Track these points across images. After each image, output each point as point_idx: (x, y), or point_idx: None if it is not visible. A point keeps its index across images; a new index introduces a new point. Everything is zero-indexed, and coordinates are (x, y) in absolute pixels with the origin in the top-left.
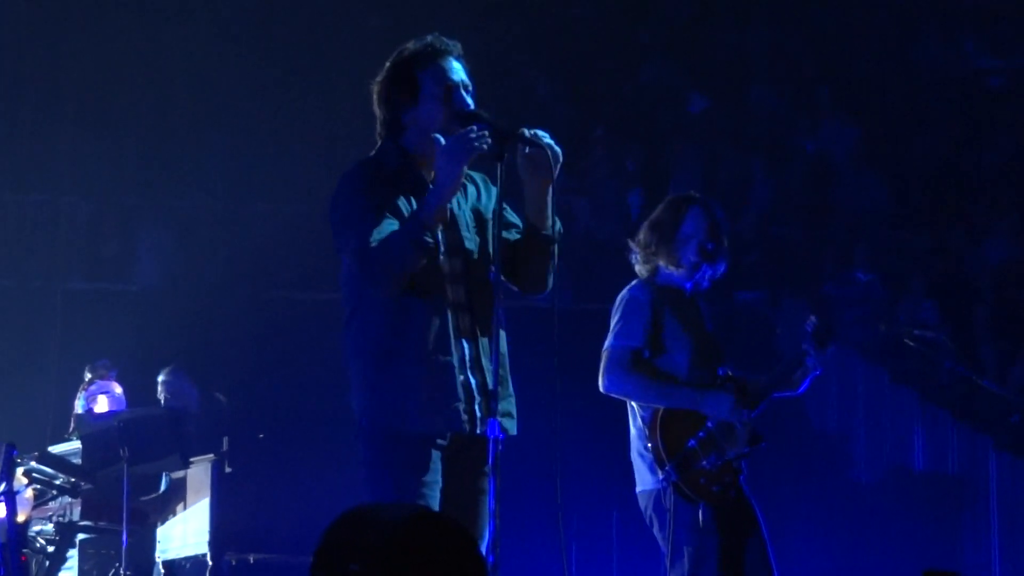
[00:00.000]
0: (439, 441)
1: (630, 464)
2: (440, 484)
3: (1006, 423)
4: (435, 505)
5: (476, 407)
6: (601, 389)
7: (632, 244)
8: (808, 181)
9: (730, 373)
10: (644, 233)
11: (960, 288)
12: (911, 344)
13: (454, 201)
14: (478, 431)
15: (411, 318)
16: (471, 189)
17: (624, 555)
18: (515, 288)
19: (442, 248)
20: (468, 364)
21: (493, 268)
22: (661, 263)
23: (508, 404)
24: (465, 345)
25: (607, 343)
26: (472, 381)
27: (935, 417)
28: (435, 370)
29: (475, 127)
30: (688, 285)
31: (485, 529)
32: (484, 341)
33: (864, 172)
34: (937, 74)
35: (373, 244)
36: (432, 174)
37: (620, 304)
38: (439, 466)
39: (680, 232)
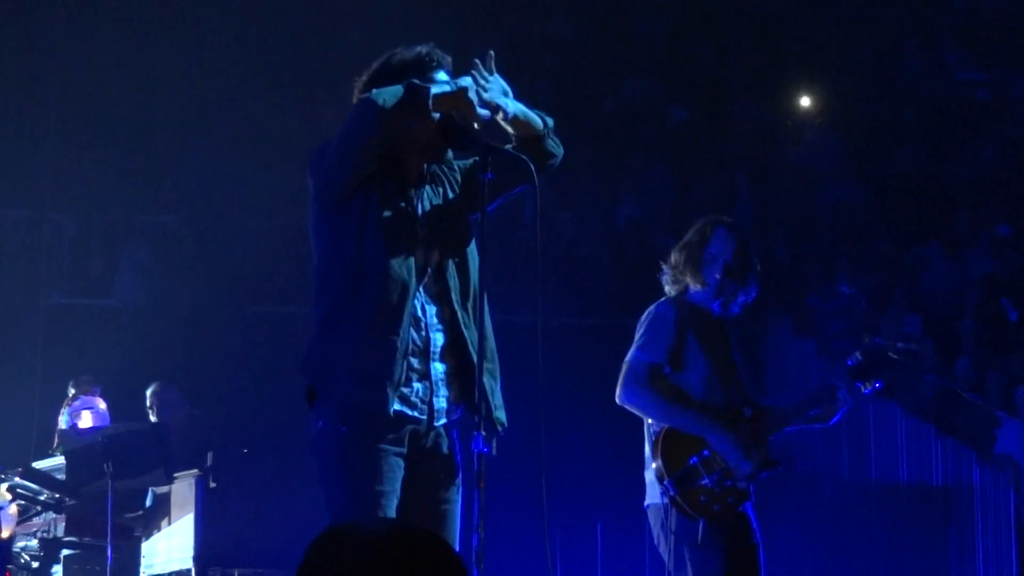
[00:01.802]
0: (396, 448)
1: (614, 475)
2: (399, 494)
3: (989, 435)
4: (391, 515)
5: (436, 398)
6: (617, 400)
7: (663, 265)
8: (791, 194)
9: (748, 397)
10: (674, 254)
11: (943, 301)
12: (894, 357)
13: (425, 200)
14: (436, 423)
15: (365, 292)
16: (441, 188)
17: (609, 565)
18: (518, 186)
19: (419, 237)
20: (435, 353)
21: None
22: (688, 283)
23: (496, 396)
24: (435, 335)
25: (628, 355)
26: (435, 370)
27: (918, 430)
28: (373, 343)
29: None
30: (715, 306)
31: (451, 540)
32: (467, 334)
33: (847, 185)
34: (919, 87)
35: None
36: (413, 171)
37: (646, 319)
38: (399, 475)
39: (706, 252)
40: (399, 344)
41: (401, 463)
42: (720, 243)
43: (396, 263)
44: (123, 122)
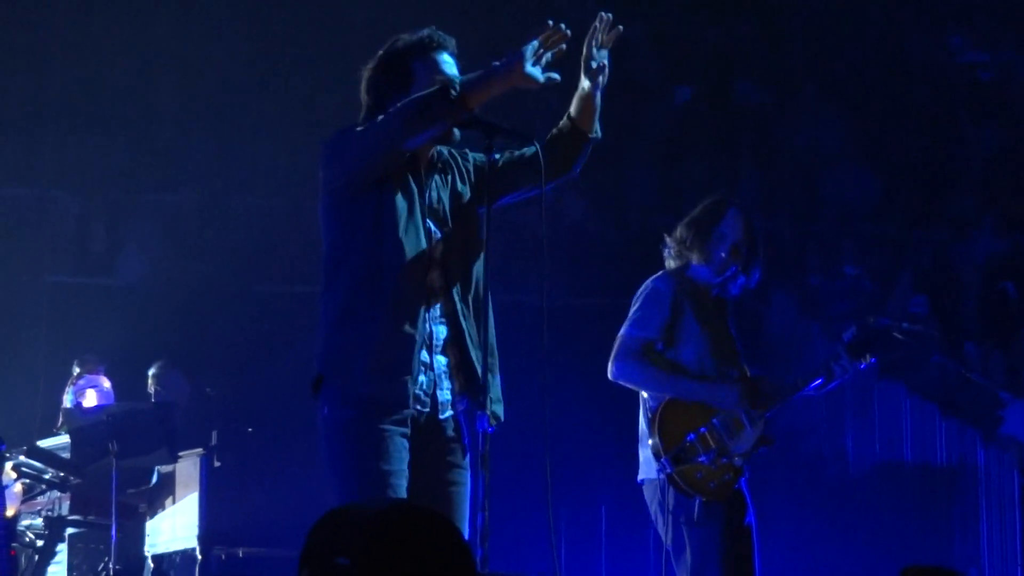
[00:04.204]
0: (401, 429)
1: (619, 456)
2: (407, 475)
3: (994, 416)
4: (402, 495)
5: (440, 391)
6: (609, 376)
7: (667, 239)
8: (796, 176)
9: (746, 372)
10: (680, 229)
11: (948, 282)
12: (899, 337)
13: (433, 189)
14: (441, 416)
15: (383, 286)
16: (450, 176)
17: (613, 546)
18: (530, 185)
19: (428, 229)
20: (438, 346)
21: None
22: (693, 258)
23: (495, 389)
24: (437, 328)
25: (622, 331)
26: (438, 363)
27: (923, 410)
28: (393, 337)
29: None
30: (715, 283)
31: (460, 522)
32: (465, 327)
33: (851, 166)
34: (924, 68)
35: (388, 111)
36: (423, 160)
37: (642, 293)
38: (405, 456)
39: (716, 230)
40: (417, 338)
41: (407, 444)
42: (731, 223)
43: (411, 256)
44: (127, 100)
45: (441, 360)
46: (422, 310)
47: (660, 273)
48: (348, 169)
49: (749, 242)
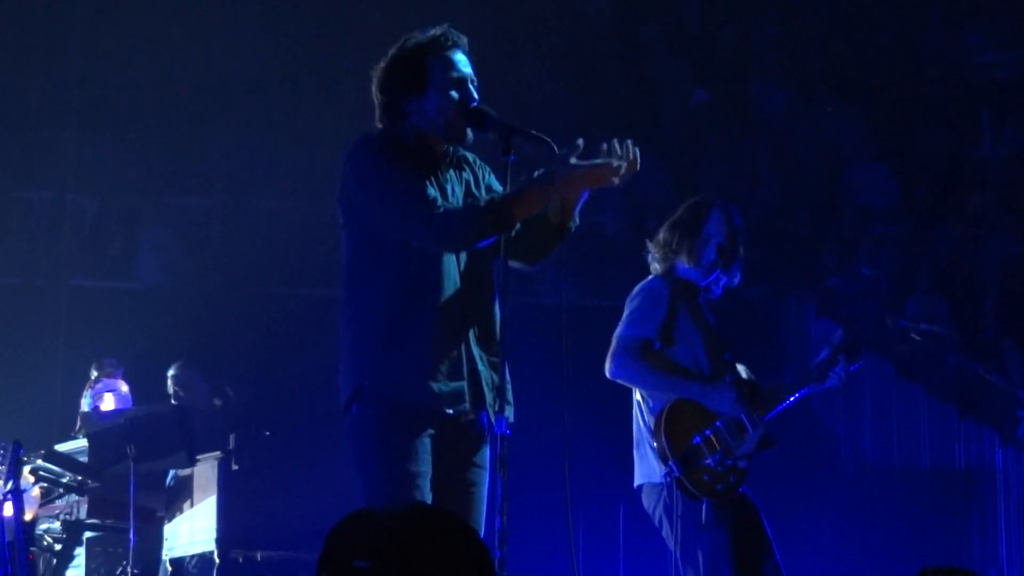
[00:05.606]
0: (430, 430)
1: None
2: (431, 475)
3: (1012, 416)
4: (427, 496)
5: (479, 387)
6: (607, 374)
7: (650, 244)
8: (813, 175)
9: (741, 376)
10: (664, 233)
11: (965, 282)
12: (917, 338)
13: (448, 187)
14: (475, 416)
15: (421, 296)
16: (466, 174)
17: (631, 548)
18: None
19: None
20: (467, 348)
21: (498, 257)
22: (680, 261)
23: (506, 391)
24: (467, 330)
25: (619, 330)
26: (467, 364)
27: (941, 411)
28: (443, 345)
29: (613, 161)
30: (702, 284)
31: (477, 522)
32: (482, 327)
33: (869, 166)
34: (942, 68)
35: (440, 210)
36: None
37: (638, 293)
38: (430, 457)
39: (702, 232)
40: (462, 343)
41: (431, 444)
42: (715, 224)
43: (443, 265)
44: (145, 103)
45: (474, 360)
46: (458, 315)
47: (652, 276)
48: (380, 225)
49: (732, 242)
